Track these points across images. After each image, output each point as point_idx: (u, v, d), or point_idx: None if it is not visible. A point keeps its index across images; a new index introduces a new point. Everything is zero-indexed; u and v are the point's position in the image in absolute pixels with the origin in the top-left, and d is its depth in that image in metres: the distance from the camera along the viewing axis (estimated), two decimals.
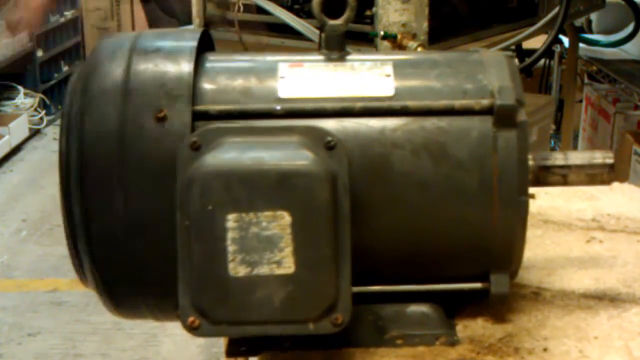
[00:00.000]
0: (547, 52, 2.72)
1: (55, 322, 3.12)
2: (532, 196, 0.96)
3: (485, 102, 0.95)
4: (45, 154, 4.88)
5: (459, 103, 0.95)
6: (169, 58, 0.95)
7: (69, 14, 5.59)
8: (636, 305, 1.06)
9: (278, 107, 0.94)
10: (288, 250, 0.87)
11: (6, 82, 5.04)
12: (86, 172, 0.91)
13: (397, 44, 1.97)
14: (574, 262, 1.18)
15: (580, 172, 1.02)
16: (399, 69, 0.98)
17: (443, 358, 0.96)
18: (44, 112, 5.13)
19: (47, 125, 5.20)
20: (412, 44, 1.96)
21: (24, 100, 5.05)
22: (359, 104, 0.94)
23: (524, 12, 2.51)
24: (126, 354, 2.93)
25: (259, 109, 0.94)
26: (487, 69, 0.98)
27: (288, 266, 0.87)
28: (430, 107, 0.94)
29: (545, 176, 1.01)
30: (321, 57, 1.00)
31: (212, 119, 0.92)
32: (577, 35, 3.39)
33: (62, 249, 0.97)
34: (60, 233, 0.96)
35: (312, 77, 0.97)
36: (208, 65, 0.97)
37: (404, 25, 1.99)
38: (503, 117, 0.94)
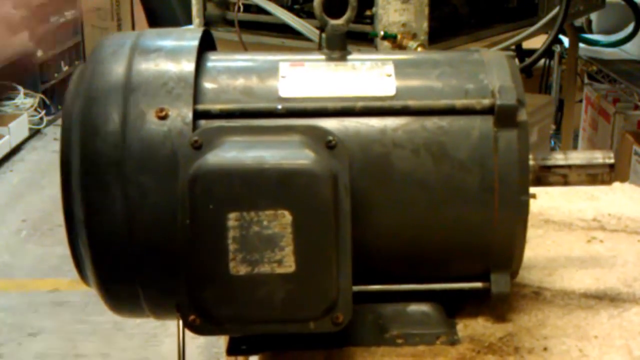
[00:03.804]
0: (547, 52, 2.72)
1: (56, 322, 3.12)
2: (533, 196, 0.96)
3: (486, 101, 0.95)
4: (45, 154, 4.88)
5: (460, 103, 0.95)
6: (170, 57, 0.95)
7: (69, 14, 5.59)
8: (636, 304, 1.06)
9: (279, 107, 0.94)
10: (289, 249, 0.87)
11: (6, 82, 5.04)
12: (87, 171, 0.91)
13: (397, 44, 1.97)
14: (574, 262, 1.18)
15: (581, 172, 1.02)
16: (400, 68, 0.98)
17: (443, 357, 0.96)
18: (44, 112, 5.13)
19: (47, 125, 5.20)
20: (412, 44, 1.96)
21: (24, 100, 5.05)
22: (360, 104, 0.94)
23: (524, 12, 2.51)
24: (126, 354, 2.92)
25: (260, 108, 0.94)
26: (488, 69, 0.98)
27: (289, 265, 0.87)
28: (431, 107, 0.94)
29: (546, 176, 1.01)
30: (322, 57, 1.00)
31: (213, 118, 0.93)
32: (577, 35, 3.39)
33: (62, 249, 0.97)
34: (60, 233, 0.96)
35: (313, 77, 0.97)
36: (209, 64, 0.98)
37: (404, 25, 1.99)
38: (504, 117, 0.94)
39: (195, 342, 2.86)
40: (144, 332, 2.98)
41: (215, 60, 0.99)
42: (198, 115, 0.92)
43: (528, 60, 2.22)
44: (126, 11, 5.86)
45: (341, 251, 0.88)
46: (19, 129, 4.84)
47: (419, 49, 1.94)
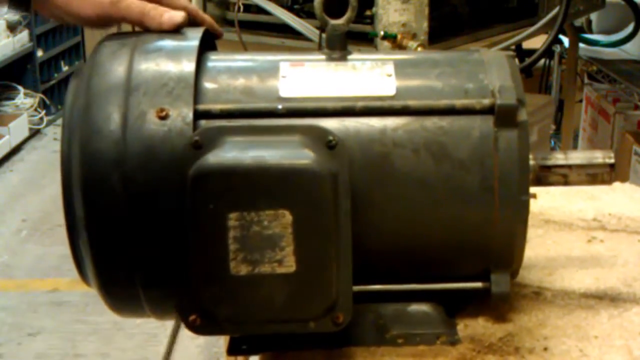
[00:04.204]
0: (547, 52, 2.72)
1: (55, 322, 3.12)
2: (534, 196, 0.96)
3: (486, 101, 0.95)
4: (45, 154, 4.88)
5: (460, 102, 0.95)
6: (170, 57, 0.95)
7: None
8: (637, 304, 1.06)
9: (279, 106, 0.94)
10: (289, 249, 0.87)
11: (6, 82, 5.04)
12: (88, 171, 0.91)
13: (397, 44, 1.97)
14: (574, 262, 1.18)
15: (581, 171, 1.02)
16: (400, 68, 0.98)
17: (444, 357, 0.96)
18: (44, 112, 5.13)
19: (47, 125, 5.20)
20: (412, 43, 1.96)
21: (24, 100, 5.06)
22: (360, 104, 0.94)
23: (524, 12, 2.51)
24: (126, 354, 2.93)
25: (261, 108, 0.94)
26: (488, 69, 0.98)
27: (289, 265, 0.87)
28: (432, 107, 0.94)
29: (546, 176, 1.01)
30: (322, 57, 1.00)
31: (213, 118, 0.93)
32: (577, 35, 3.39)
33: (62, 249, 0.97)
34: (60, 233, 0.96)
35: (314, 77, 0.97)
36: (210, 64, 0.98)
37: (404, 25, 1.99)
38: (504, 116, 0.94)
39: (195, 342, 2.86)
40: (144, 332, 2.99)
41: (215, 60, 0.99)
42: (198, 115, 0.92)
43: (528, 60, 2.22)
44: None
45: (341, 251, 0.88)
46: (19, 129, 4.85)
47: (419, 49, 1.94)
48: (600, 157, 1.02)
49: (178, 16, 1.00)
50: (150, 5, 1.00)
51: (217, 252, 0.87)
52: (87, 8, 1.00)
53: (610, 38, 3.81)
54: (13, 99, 5.04)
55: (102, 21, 1.02)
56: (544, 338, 0.99)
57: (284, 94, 0.95)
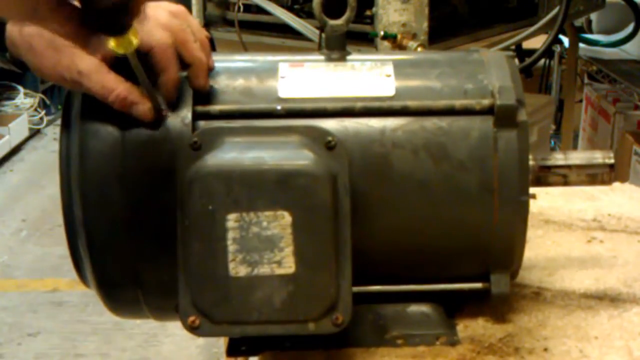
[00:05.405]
0: (547, 52, 2.72)
1: (55, 322, 3.12)
2: (533, 196, 0.96)
3: (486, 102, 0.95)
4: (45, 154, 4.88)
5: (459, 103, 0.95)
6: None
7: None
8: (637, 305, 1.06)
9: (278, 107, 0.94)
10: (288, 250, 0.87)
11: (6, 82, 5.04)
12: (86, 172, 0.90)
13: (397, 44, 1.97)
14: (574, 262, 1.18)
15: (581, 172, 1.02)
16: (400, 68, 0.98)
17: (443, 358, 0.96)
18: (44, 112, 5.13)
19: (47, 125, 5.20)
20: (412, 44, 1.96)
21: (24, 100, 5.05)
22: (359, 104, 0.94)
23: (524, 12, 2.51)
24: (126, 354, 2.93)
25: (260, 108, 0.94)
26: (487, 69, 0.98)
27: (288, 266, 0.87)
28: (431, 107, 0.94)
29: (546, 176, 1.01)
30: (322, 57, 1.00)
31: (212, 119, 0.92)
32: (577, 35, 3.39)
33: (62, 249, 0.97)
34: (60, 233, 0.96)
35: (313, 77, 0.97)
36: None
37: (404, 25, 1.99)
38: (504, 117, 0.94)
39: (196, 343, 2.86)
40: (144, 332, 2.98)
41: (214, 61, 0.98)
42: (197, 116, 0.92)
43: (528, 60, 2.22)
44: None
45: (341, 252, 0.88)
46: (19, 129, 4.84)
47: (419, 49, 1.94)
48: (600, 157, 1.02)
49: (142, 110, 0.90)
50: (119, 91, 0.89)
51: (216, 253, 0.86)
52: (49, 75, 0.91)
53: (610, 38, 3.82)
54: (13, 99, 5.03)
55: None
56: (544, 338, 0.99)
57: (283, 94, 0.95)
